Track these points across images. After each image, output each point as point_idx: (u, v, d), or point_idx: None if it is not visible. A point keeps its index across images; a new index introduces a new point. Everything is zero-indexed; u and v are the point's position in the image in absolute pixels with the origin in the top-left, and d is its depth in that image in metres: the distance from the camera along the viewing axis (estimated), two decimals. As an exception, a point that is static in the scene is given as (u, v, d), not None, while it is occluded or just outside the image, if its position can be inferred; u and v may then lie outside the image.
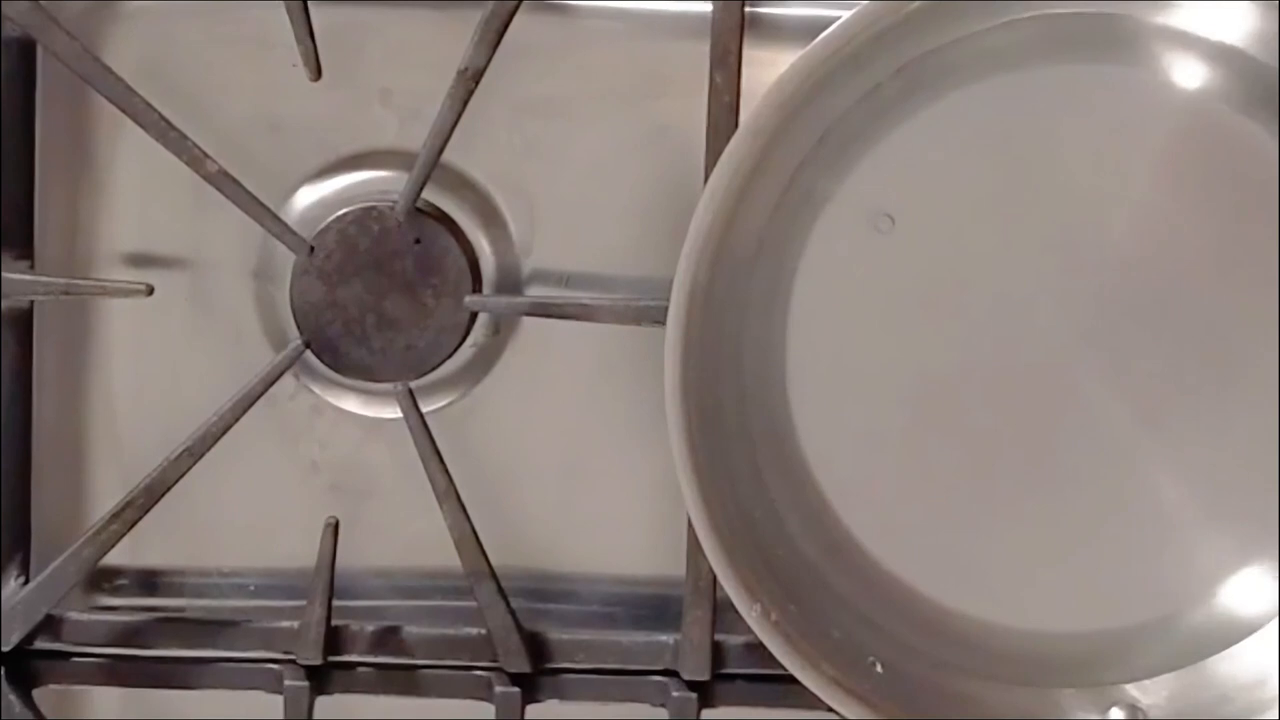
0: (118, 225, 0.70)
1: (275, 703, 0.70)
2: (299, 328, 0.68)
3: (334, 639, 0.70)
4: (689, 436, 0.64)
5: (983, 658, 0.68)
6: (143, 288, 0.67)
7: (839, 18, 0.62)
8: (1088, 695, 0.68)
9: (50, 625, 0.70)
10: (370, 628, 0.70)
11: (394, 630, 0.70)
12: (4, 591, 0.70)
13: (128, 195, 0.70)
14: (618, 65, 0.69)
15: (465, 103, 0.66)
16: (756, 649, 0.67)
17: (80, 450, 0.71)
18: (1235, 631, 0.68)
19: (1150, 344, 0.67)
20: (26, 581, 0.70)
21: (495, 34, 0.66)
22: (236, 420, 0.68)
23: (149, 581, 0.72)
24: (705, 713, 0.70)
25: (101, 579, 0.72)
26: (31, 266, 0.69)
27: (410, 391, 0.69)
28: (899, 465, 0.68)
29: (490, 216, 0.70)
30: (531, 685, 0.70)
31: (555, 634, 0.70)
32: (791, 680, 0.66)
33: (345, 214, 0.68)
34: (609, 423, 0.71)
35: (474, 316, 0.69)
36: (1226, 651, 0.68)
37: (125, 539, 0.68)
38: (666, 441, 0.65)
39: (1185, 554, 0.68)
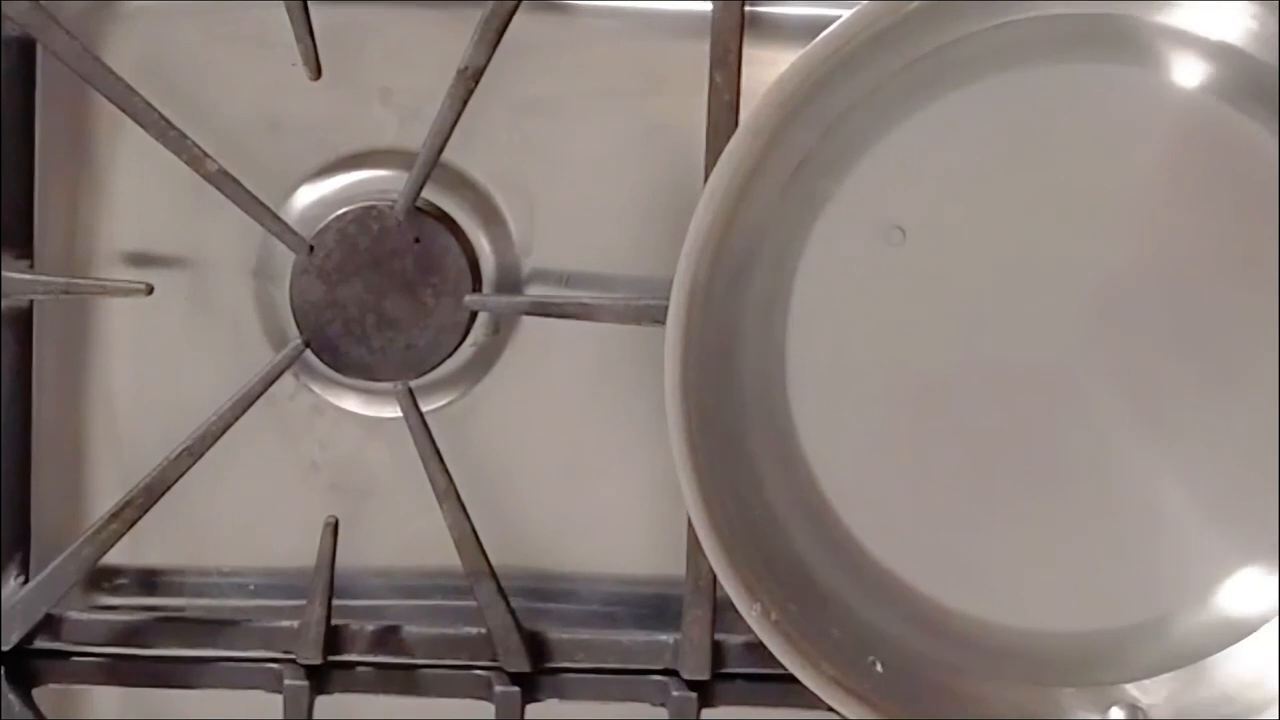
0: (117, 224, 0.70)
1: (275, 702, 0.70)
2: (299, 327, 0.68)
3: (334, 638, 0.70)
4: (689, 436, 0.64)
5: (983, 657, 0.68)
6: (142, 287, 0.67)
7: (839, 17, 0.62)
8: (1088, 695, 0.68)
9: (50, 624, 0.70)
10: (370, 627, 0.70)
11: (394, 630, 0.70)
12: (4, 591, 0.70)
13: (127, 194, 0.70)
14: (618, 64, 0.69)
15: (465, 102, 0.66)
16: (756, 648, 0.67)
17: (80, 449, 0.71)
18: (1235, 631, 0.68)
19: (1150, 343, 0.67)
20: (26, 581, 0.70)
21: (495, 33, 0.66)
22: (236, 419, 0.68)
23: (149, 581, 0.72)
24: (705, 712, 0.70)
25: (101, 578, 0.72)
26: (31, 266, 0.69)
27: (410, 391, 0.69)
28: (899, 464, 0.68)
29: (490, 216, 0.70)
30: (531, 685, 0.70)
31: (555, 633, 0.70)
32: (791, 680, 0.66)
33: (345, 213, 0.68)
34: (609, 422, 0.71)
35: (474, 316, 0.69)
36: (1226, 651, 0.68)
37: (125, 538, 0.68)
38: (666, 441, 0.65)
39: (1185, 554, 0.68)
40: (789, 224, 0.66)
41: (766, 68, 0.66)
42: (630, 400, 0.70)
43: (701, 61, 0.67)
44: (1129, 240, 0.66)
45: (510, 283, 0.70)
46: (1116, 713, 0.68)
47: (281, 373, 0.68)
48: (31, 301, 0.70)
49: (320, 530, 0.68)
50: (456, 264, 0.68)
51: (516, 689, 0.70)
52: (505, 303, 0.69)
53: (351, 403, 0.71)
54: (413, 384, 0.69)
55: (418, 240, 0.68)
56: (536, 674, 0.70)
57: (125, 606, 0.72)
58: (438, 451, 0.68)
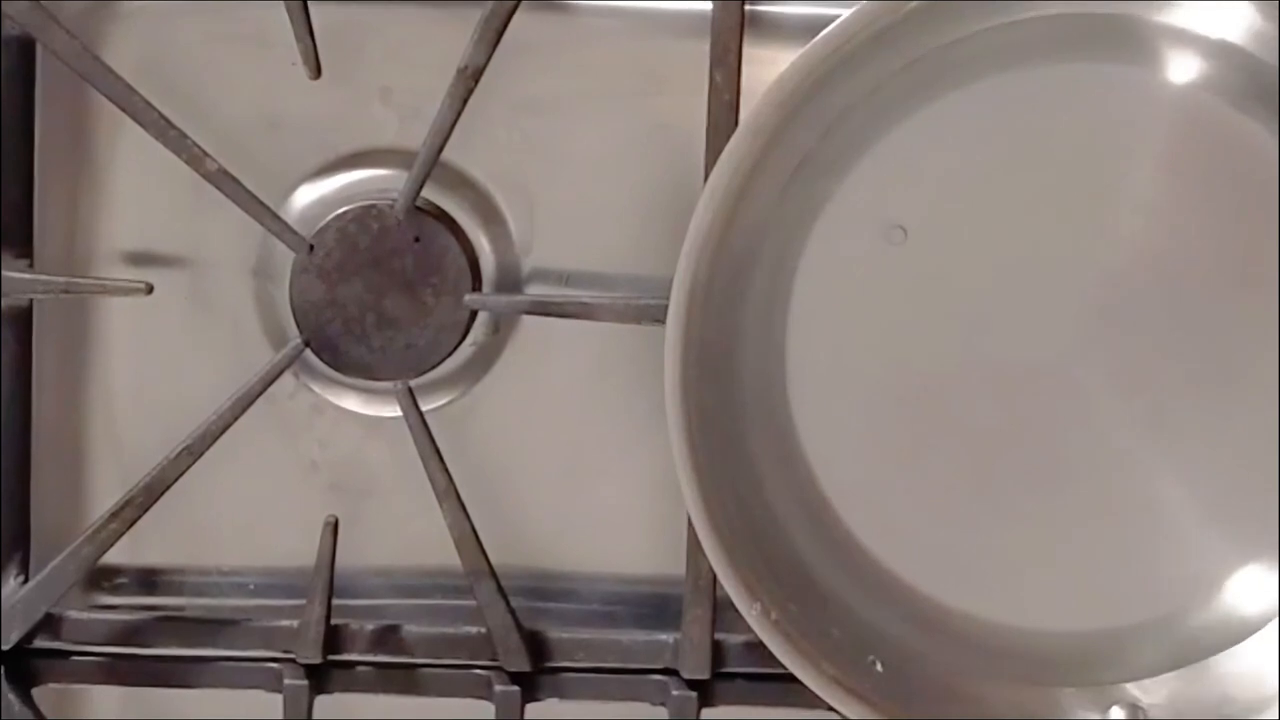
0: (117, 224, 0.70)
1: (275, 702, 0.70)
2: (299, 326, 0.68)
3: (333, 638, 0.69)
4: (689, 436, 0.64)
5: (983, 657, 0.68)
6: (142, 286, 0.67)
7: (838, 17, 0.62)
8: (1088, 694, 0.68)
9: (50, 624, 0.70)
10: (370, 626, 0.70)
11: (394, 629, 0.70)
12: (4, 590, 0.70)
13: (127, 194, 0.70)
14: (617, 63, 0.69)
15: (465, 101, 0.66)
16: (756, 648, 0.67)
17: (80, 449, 0.71)
18: (1236, 631, 0.68)
19: (1151, 342, 0.67)
20: (26, 580, 0.70)
21: (495, 32, 0.66)
22: (236, 419, 0.68)
23: (148, 580, 0.72)
24: (705, 712, 0.70)
25: (101, 578, 0.72)
26: (31, 265, 0.69)
27: (410, 390, 0.68)
28: (899, 464, 0.68)
29: (490, 215, 0.70)
30: (531, 684, 0.70)
31: (555, 633, 0.70)
32: (791, 679, 0.66)
33: (345, 212, 0.68)
34: (609, 421, 0.71)
35: (474, 315, 0.69)
36: (1227, 651, 0.68)
37: (125, 538, 0.68)
38: (666, 440, 0.65)
39: (1186, 553, 0.68)
40: (789, 223, 0.66)
41: (766, 67, 0.66)
42: (630, 400, 0.70)
43: (701, 61, 0.67)
44: (1129, 240, 0.66)
45: (510, 282, 0.70)
46: (1117, 712, 0.68)
47: (281, 372, 0.68)
48: (31, 301, 0.70)
49: (320, 529, 0.68)
50: (456, 263, 0.68)
51: (516, 688, 0.70)
52: (505, 302, 0.69)
53: (351, 402, 0.71)
54: (412, 383, 0.69)
55: (417, 239, 0.68)
56: (536, 673, 0.70)
57: (125, 606, 0.72)
58: (437, 451, 0.68)
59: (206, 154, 0.66)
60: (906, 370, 0.67)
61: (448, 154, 0.68)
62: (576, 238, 0.70)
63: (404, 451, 0.69)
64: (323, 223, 0.68)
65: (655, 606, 0.71)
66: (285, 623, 0.70)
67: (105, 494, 0.70)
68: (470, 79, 0.66)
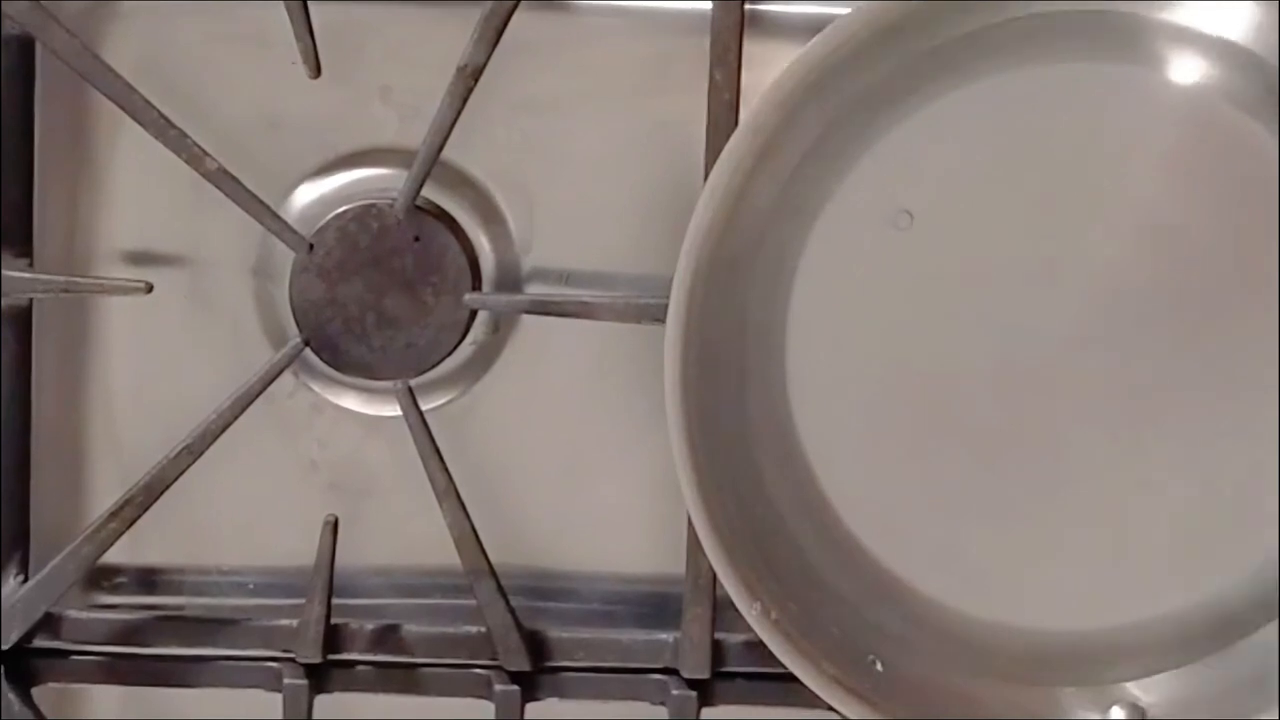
0: (117, 223, 0.70)
1: (274, 701, 0.69)
2: (298, 325, 0.68)
3: (333, 637, 0.69)
4: (689, 435, 0.64)
5: (983, 656, 0.68)
6: (142, 285, 0.67)
7: (838, 16, 0.62)
8: (1088, 694, 0.68)
9: (49, 623, 0.69)
10: (370, 626, 0.70)
11: (393, 628, 0.70)
12: (3, 589, 0.70)
13: (127, 193, 0.70)
14: (617, 63, 0.69)
15: (465, 100, 0.66)
16: (756, 647, 0.67)
17: (79, 448, 0.71)
18: (1236, 630, 0.68)
19: (1152, 341, 0.67)
20: (26, 579, 0.70)
21: (495, 31, 0.66)
22: (235, 418, 0.68)
23: (148, 579, 0.72)
24: (705, 711, 0.70)
25: (100, 577, 0.72)
26: (31, 264, 0.69)
27: (410, 389, 0.68)
28: (899, 463, 0.67)
29: (490, 214, 0.70)
30: (531, 683, 0.70)
31: (555, 632, 0.70)
32: (791, 678, 0.66)
33: (345, 211, 0.68)
34: (609, 421, 0.71)
35: (473, 314, 0.69)
36: (1227, 650, 0.68)
37: (124, 537, 0.68)
38: (666, 439, 0.65)
39: (1185, 552, 0.68)
40: (789, 223, 0.66)
41: (766, 66, 0.66)
42: (630, 399, 0.70)
43: (701, 60, 0.67)
44: (1130, 239, 0.66)
45: (510, 281, 0.70)
46: (1117, 712, 0.68)
47: (281, 371, 0.68)
48: (31, 300, 0.70)
49: (320, 529, 0.68)
50: (456, 262, 0.68)
51: (516, 688, 0.70)
52: (505, 301, 0.69)
53: (351, 401, 0.71)
54: (412, 382, 0.69)
55: (417, 239, 0.68)
56: (536, 673, 0.70)
57: (125, 605, 0.72)
58: (437, 450, 0.68)
59: (206, 153, 0.66)
60: (906, 370, 0.67)
61: (447, 153, 0.67)
62: (576, 237, 0.70)
63: (404, 451, 0.69)
64: (322, 222, 0.68)
65: (655, 606, 0.71)
66: (285, 622, 0.70)
67: (105, 493, 0.70)
68: (470, 78, 0.66)
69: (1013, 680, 0.68)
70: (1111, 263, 0.66)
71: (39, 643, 0.70)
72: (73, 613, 0.70)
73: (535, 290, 0.70)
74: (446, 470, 0.68)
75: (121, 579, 0.72)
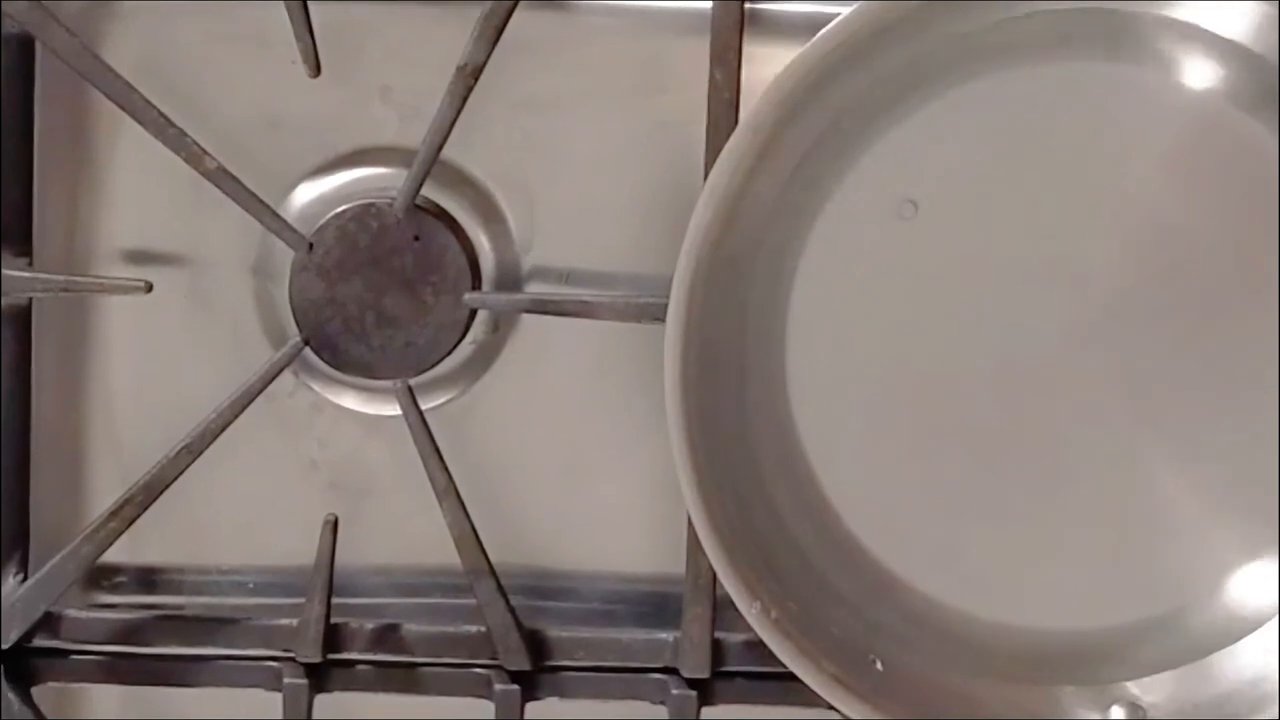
0: (117, 222, 0.70)
1: (274, 700, 0.69)
2: (298, 325, 0.68)
3: (333, 636, 0.69)
4: (689, 434, 0.64)
5: (983, 655, 0.68)
6: (142, 285, 0.67)
7: (838, 15, 0.62)
8: (1088, 693, 0.68)
9: (49, 623, 0.69)
10: (369, 625, 0.70)
11: (393, 628, 0.70)
12: (3, 589, 0.70)
13: (127, 192, 0.70)
14: (617, 62, 0.69)
15: (464, 99, 0.66)
16: (756, 646, 0.67)
17: (79, 447, 0.71)
18: (1236, 629, 0.68)
19: (1153, 340, 0.67)
20: (25, 579, 0.70)
21: (495, 30, 0.66)
22: (235, 417, 0.68)
23: (148, 579, 0.72)
24: (705, 710, 0.70)
25: (100, 576, 0.72)
26: (30, 263, 0.69)
27: (409, 389, 0.68)
28: (899, 462, 0.68)
29: (490, 213, 0.70)
30: (531, 683, 0.70)
31: (555, 631, 0.70)
32: (791, 678, 0.66)
33: (344, 211, 0.68)
34: (609, 420, 0.71)
35: (473, 313, 0.69)
36: (1227, 649, 0.68)
37: (124, 536, 0.68)
38: (666, 439, 0.65)
39: (1186, 551, 0.68)
40: (789, 221, 0.66)
41: (766, 65, 0.66)
42: (630, 398, 0.70)
43: (701, 59, 0.67)
44: (1130, 239, 0.66)
45: (510, 280, 0.70)
46: (1117, 711, 0.68)
47: (281, 370, 0.68)
48: (31, 299, 0.70)
49: (319, 528, 0.68)
50: (456, 262, 0.68)
51: (516, 687, 0.70)
52: (505, 300, 0.69)
53: (351, 401, 0.71)
54: (412, 382, 0.69)
55: (417, 238, 0.68)
56: (536, 672, 0.70)
57: (124, 605, 0.72)
58: (437, 449, 0.68)
59: (206, 152, 0.66)
60: (906, 369, 0.67)
61: (447, 152, 0.67)
62: (576, 236, 0.70)
63: (403, 450, 0.69)
64: (322, 221, 0.68)
65: (655, 605, 0.71)
66: (285, 621, 0.70)
67: (104, 492, 0.70)
68: (470, 77, 0.66)
69: (1013, 680, 0.68)
70: (1112, 262, 0.66)
71: (39, 642, 0.70)
72: (72, 612, 0.70)
73: (535, 289, 0.70)
74: (446, 469, 0.68)
75: (121, 578, 0.72)
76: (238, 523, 0.72)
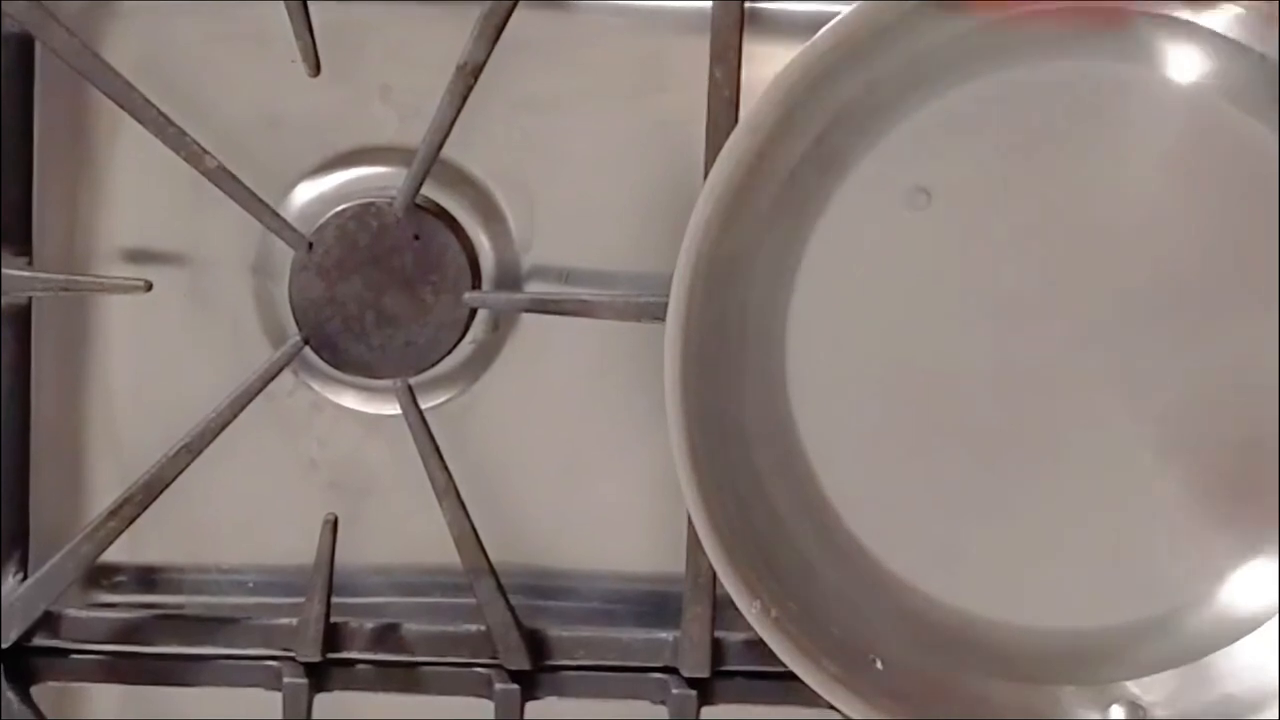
0: (116, 221, 0.70)
1: (274, 700, 0.69)
2: (298, 324, 0.68)
3: (333, 636, 0.69)
4: (689, 433, 0.64)
5: (983, 654, 0.68)
6: (141, 284, 0.67)
7: (838, 13, 0.62)
8: (1088, 693, 0.68)
9: (49, 622, 0.69)
10: (369, 625, 0.70)
11: (393, 627, 0.70)
12: (3, 588, 0.70)
13: (126, 191, 0.70)
14: (617, 61, 0.69)
15: (464, 98, 0.66)
16: (756, 646, 0.67)
17: (79, 446, 0.71)
18: (1236, 628, 0.68)
19: (1152, 339, 0.67)
20: (25, 578, 0.70)
21: (494, 29, 0.66)
22: (235, 417, 0.68)
23: (147, 578, 0.72)
24: (705, 710, 0.70)
25: (100, 576, 0.71)
26: (30, 263, 0.69)
27: (409, 388, 0.68)
28: (899, 461, 0.67)
29: (489, 212, 0.70)
30: (531, 682, 0.70)
31: (555, 631, 0.70)
32: (791, 677, 0.66)
33: (344, 210, 0.68)
34: (609, 419, 0.71)
35: (473, 313, 0.69)
36: (1227, 649, 0.68)
37: (124, 536, 0.68)
38: (666, 438, 0.64)
39: (1186, 550, 0.68)
40: (789, 221, 0.66)
41: (766, 64, 0.66)
42: (630, 397, 0.70)
43: (701, 58, 0.66)
44: (1131, 238, 0.66)
45: (510, 279, 0.70)
46: (1117, 711, 0.68)
47: (280, 370, 0.68)
48: (30, 298, 0.70)
49: (319, 527, 0.68)
50: (456, 261, 0.68)
51: (516, 686, 0.70)
52: (505, 300, 0.69)
53: (350, 400, 0.71)
54: (412, 381, 0.69)
55: (417, 237, 0.68)
56: (536, 671, 0.70)
57: (124, 604, 0.72)
58: (437, 449, 0.68)
59: (206, 151, 0.66)
60: (906, 368, 0.67)
61: (447, 151, 0.67)
62: (576, 235, 0.70)
63: (403, 449, 0.69)
64: (322, 220, 0.68)
65: (655, 604, 0.71)
66: (284, 621, 0.70)
67: (104, 492, 0.70)
68: (470, 76, 0.66)
69: (1013, 679, 0.68)
70: (1111, 262, 0.66)
71: (38, 641, 0.70)
72: (72, 611, 0.70)
73: (535, 288, 0.70)
74: (446, 469, 0.68)
75: (121, 577, 0.72)
76: (237, 522, 0.72)
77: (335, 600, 0.69)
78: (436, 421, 0.69)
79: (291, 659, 0.70)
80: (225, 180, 0.67)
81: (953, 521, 0.68)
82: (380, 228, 0.68)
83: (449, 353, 0.69)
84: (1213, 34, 0.65)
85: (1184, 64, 0.65)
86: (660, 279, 0.65)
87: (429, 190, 0.68)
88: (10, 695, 0.69)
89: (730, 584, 0.65)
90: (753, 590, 0.65)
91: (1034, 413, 0.67)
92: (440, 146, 0.67)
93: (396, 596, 0.72)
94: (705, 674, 0.70)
